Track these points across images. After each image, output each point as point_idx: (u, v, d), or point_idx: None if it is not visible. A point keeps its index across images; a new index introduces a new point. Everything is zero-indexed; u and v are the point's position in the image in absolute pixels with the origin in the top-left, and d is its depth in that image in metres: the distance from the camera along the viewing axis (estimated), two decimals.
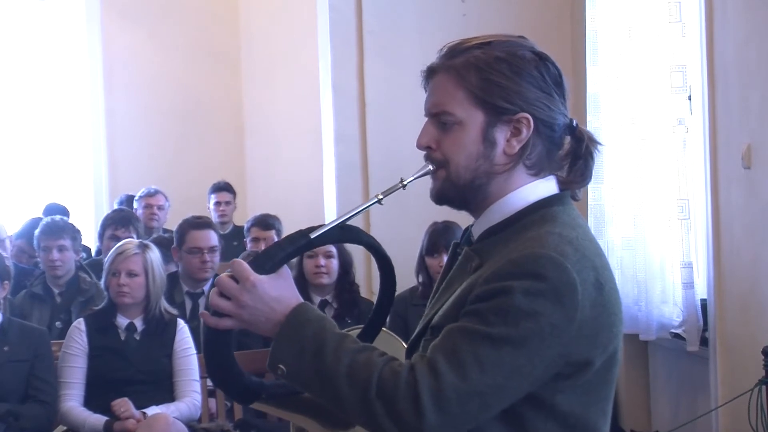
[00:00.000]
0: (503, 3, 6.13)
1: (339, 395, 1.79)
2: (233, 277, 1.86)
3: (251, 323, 1.87)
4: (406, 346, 2.04)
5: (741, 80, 4.47)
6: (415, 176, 1.96)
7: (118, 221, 6.29)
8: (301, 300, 1.89)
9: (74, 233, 5.73)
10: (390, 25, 6.12)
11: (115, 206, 7.74)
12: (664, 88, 4.92)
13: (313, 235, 1.91)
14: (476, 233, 1.98)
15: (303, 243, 1.91)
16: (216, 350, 1.92)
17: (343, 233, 1.98)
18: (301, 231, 1.93)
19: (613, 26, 5.23)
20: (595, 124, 5.22)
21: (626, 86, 5.14)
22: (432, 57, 1.99)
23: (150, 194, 7.58)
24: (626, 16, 5.14)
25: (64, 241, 5.59)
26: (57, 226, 5.68)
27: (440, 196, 1.97)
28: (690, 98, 4.89)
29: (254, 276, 1.85)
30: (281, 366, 1.83)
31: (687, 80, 4.86)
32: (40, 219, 6.18)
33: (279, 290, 1.87)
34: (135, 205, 7.52)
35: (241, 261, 1.87)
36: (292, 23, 8.59)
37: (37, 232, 5.73)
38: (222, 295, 1.86)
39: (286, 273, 1.90)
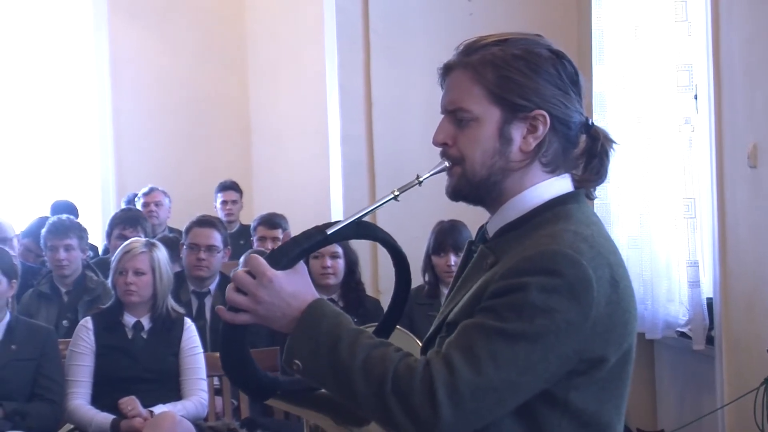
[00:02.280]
0: (510, 2, 6.12)
1: (354, 390, 1.79)
2: (249, 273, 1.85)
3: (267, 319, 1.86)
4: (420, 343, 2.04)
5: (747, 79, 4.47)
6: (431, 173, 1.95)
7: (126, 221, 6.29)
8: (317, 296, 1.88)
9: (81, 232, 5.74)
10: (396, 26, 6.13)
11: (122, 205, 7.77)
12: (670, 88, 4.92)
13: (329, 231, 1.90)
14: (491, 231, 1.98)
15: (319, 239, 1.90)
16: (231, 346, 1.91)
17: (359, 229, 1.97)
18: (317, 227, 1.91)
19: (619, 25, 5.24)
20: (601, 123, 5.18)
21: (632, 85, 5.15)
22: (438, 57, 1.99)
23: (147, 192, 7.61)
24: (632, 16, 5.14)
25: (70, 241, 5.59)
26: (63, 226, 5.68)
27: (456, 193, 1.97)
28: (696, 97, 4.89)
29: (271, 271, 1.84)
30: (297, 361, 1.83)
31: (693, 79, 4.86)
32: (47, 218, 6.18)
33: (295, 286, 1.86)
34: (137, 205, 7.53)
35: (258, 256, 1.86)
36: (298, 23, 8.61)
37: (43, 231, 5.73)
38: (238, 290, 1.85)
39: (302, 269, 1.89)
